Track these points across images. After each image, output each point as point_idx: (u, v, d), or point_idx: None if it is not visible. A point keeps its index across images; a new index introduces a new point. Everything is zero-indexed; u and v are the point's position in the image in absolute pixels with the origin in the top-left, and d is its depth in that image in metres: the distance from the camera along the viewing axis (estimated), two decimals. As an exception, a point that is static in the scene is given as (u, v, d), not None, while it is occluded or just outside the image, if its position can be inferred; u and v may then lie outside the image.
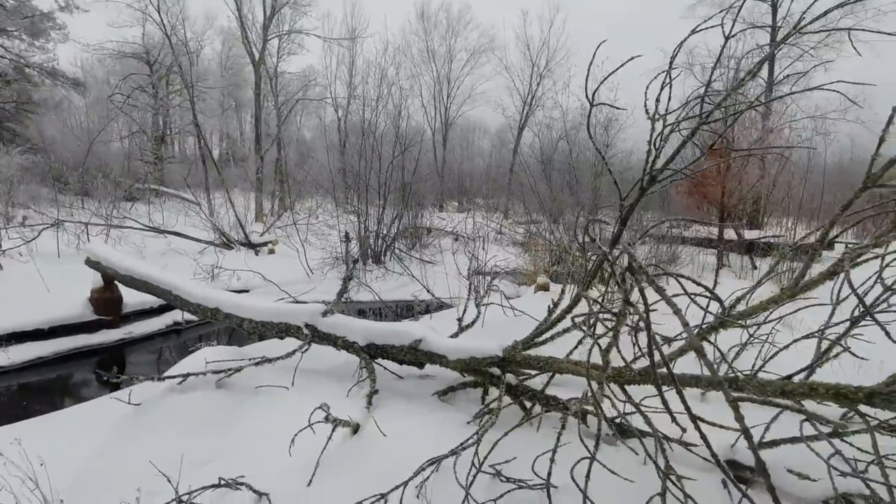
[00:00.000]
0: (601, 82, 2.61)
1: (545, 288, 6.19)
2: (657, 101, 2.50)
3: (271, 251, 10.18)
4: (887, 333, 1.67)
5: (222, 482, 2.01)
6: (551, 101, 19.79)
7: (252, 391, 3.09)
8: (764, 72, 15.73)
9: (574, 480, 1.89)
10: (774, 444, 2.41)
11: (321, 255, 9.35)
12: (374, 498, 1.93)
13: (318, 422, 2.36)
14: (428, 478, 2.19)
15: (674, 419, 1.93)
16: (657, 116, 2.52)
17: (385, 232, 9.65)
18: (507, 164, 22.75)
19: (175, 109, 22.60)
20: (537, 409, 2.87)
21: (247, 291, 7.23)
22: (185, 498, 1.94)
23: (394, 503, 2.01)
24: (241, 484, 2.03)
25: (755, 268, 9.45)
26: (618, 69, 2.37)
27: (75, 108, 21.04)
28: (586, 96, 2.33)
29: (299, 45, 20.53)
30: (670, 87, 2.53)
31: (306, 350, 3.42)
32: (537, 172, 11.56)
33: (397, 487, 1.99)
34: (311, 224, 11.91)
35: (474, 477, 2.08)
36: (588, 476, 1.75)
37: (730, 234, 10.64)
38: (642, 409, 2.23)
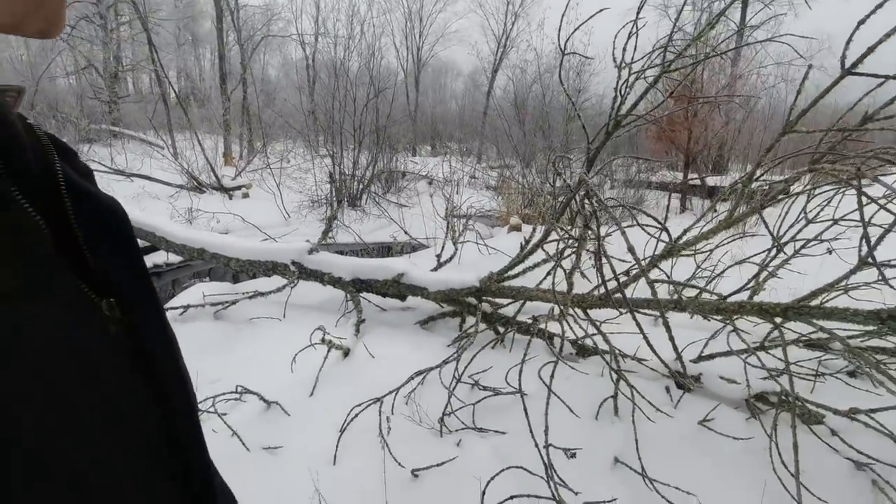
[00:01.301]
0: (572, 32, 2.77)
1: (517, 228, 6.49)
2: (623, 49, 2.69)
3: (245, 195, 10.12)
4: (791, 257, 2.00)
5: (239, 389, 2.29)
6: (525, 43, 19.42)
7: (247, 322, 3.33)
8: (737, 15, 15.77)
9: (541, 378, 2.22)
10: (711, 357, 2.82)
11: (298, 199, 9.39)
12: (369, 402, 2.24)
13: (317, 343, 2.63)
14: (415, 388, 2.51)
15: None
16: (624, 65, 2.72)
17: (361, 175, 9.69)
18: (480, 108, 22.51)
19: (126, 43, 21.18)
20: (510, 334, 3.21)
21: (226, 234, 7.30)
22: (209, 403, 2.21)
23: (387, 407, 2.32)
24: (254, 393, 2.30)
25: (715, 210, 9.96)
26: (588, 20, 2.52)
27: (15, 41, 19.47)
28: (558, 45, 2.50)
29: (262, -26, 19.29)
30: (637, 36, 2.71)
31: (294, 286, 3.65)
32: (511, 116, 11.61)
33: (390, 393, 2.30)
34: (284, 167, 11.78)
35: (455, 385, 2.41)
36: (552, 376, 2.08)
37: (695, 181, 11.11)
38: (601, 329, 2.57)
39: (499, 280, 3.26)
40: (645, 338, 2.09)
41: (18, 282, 0.31)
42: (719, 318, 2.44)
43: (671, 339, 2.05)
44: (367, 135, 9.88)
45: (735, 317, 2.36)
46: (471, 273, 3.30)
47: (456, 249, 4.27)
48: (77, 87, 19.68)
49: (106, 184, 9.12)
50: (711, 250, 2.92)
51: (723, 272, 2.99)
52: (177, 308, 3.28)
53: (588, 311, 2.88)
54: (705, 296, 2.75)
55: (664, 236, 2.48)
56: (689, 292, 3.37)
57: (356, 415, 2.21)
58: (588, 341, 3.10)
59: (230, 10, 17.95)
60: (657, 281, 2.57)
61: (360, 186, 9.68)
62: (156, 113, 14.42)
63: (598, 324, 2.58)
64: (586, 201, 2.53)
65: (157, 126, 13.08)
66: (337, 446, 2.09)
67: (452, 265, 4.28)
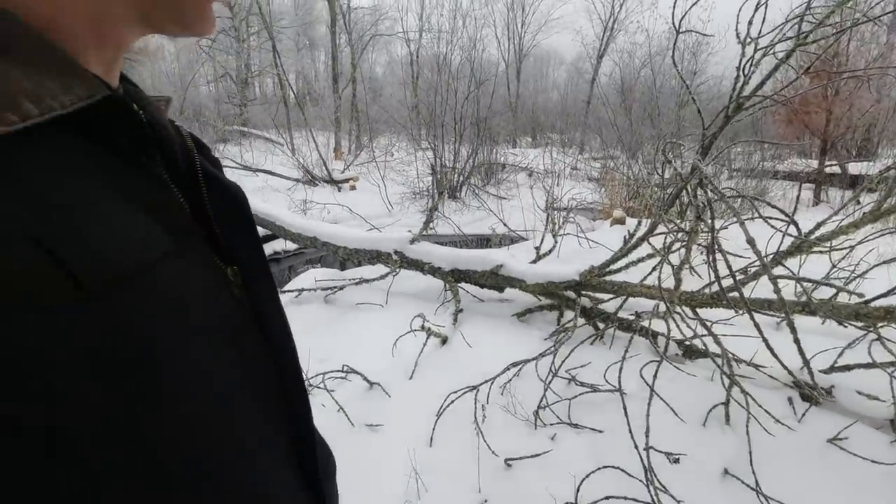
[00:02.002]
0: (690, 7, 2.57)
1: (621, 221, 6.18)
2: (749, 22, 2.45)
3: (353, 187, 10.75)
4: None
5: (345, 368, 2.47)
6: (635, 25, 18.26)
7: (353, 307, 3.56)
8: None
9: (643, 378, 2.12)
10: (848, 368, 2.49)
11: (401, 191, 9.77)
12: (465, 389, 2.29)
13: (416, 330, 2.75)
14: (510, 379, 2.53)
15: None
16: (748, 40, 2.47)
17: (461, 167, 9.83)
18: (583, 96, 21.65)
19: (255, 51, 23.37)
20: (610, 331, 3.09)
21: (336, 224, 7.83)
22: (319, 379, 2.42)
23: (482, 395, 2.37)
24: (358, 373, 2.47)
25: (858, 202, 8.68)
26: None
27: (168, 55, 22.37)
28: (672, 24, 2.33)
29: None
30: (766, 7, 2.46)
31: (396, 274, 3.83)
32: (616, 104, 11.04)
33: (485, 382, 2.34)
34: (388, 161, 12.31)
35: (551, 379, 2.38)
36: (655, 376, 1.98)
37: (834, 169, 9.75)
38: (712, 330, 2.38)
39: (600, 274, 3.15)
40: (765, 341, 1.91)
41: (172, 244, 0.38)
42: (859, 324, 2.14)
43: (797, 342, 1.84)
44: (467, 127, 9.98)
45: (880, 324, 2.06)
46: (570, 266, 3.23)
47: (555, 242, 4.19)
48: (215, 94, 22.21)
49: (236, 178, 10.18)
50: (852, 247, 2.57)
51: (865, 272, 2.61)
52: (292, 291, 3.60)
53: (697, 310, 2.69)
54: (842, 298, 2.42)
55: (792, 231, 2.22)
56: (822, 294, 2.99)
57: (452, 401, 2.27)
58: (697, 342, 2.89)
59: (342, 14, 19.05)
60: (782, 278, 2.31)
61: (460, 178, 9.82)
62: (277, 113, 15.75)
63: (708, 324, 2.40)
64: (699, 191, 2.35)
65: (278, 125, 14.30)
66: (433, 429, 2.17)
67: (551, 258, 4.20)
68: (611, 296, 3.19)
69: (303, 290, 3.61)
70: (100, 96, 0.36)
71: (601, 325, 3.16)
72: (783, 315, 2.02)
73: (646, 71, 12.10)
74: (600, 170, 10.63)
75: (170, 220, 0.40)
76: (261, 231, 6.41)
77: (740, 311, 2.54)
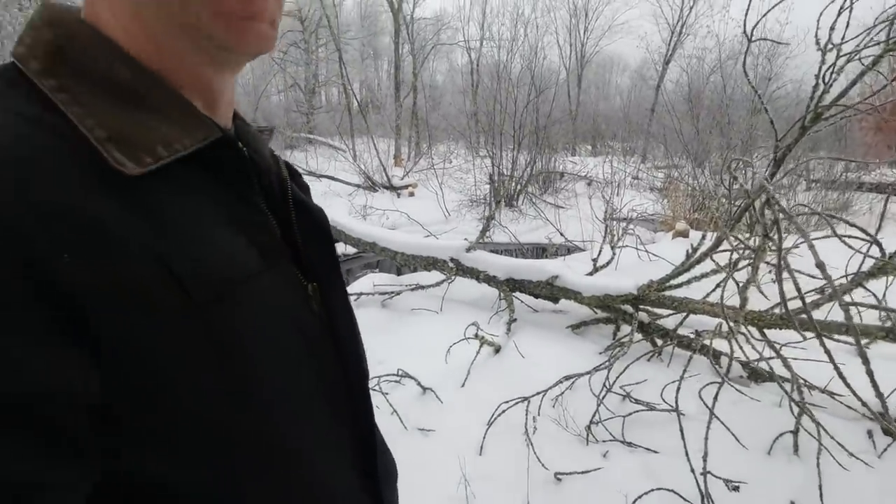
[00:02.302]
0: (767, 12, 2.47)
1: (684, 234, 5.94)
2: (831, 28, 2.32)
3: (411, 194, 10.96)
4: None
5: (400, 372, 2.55)
6: (705, 29, 17.47)
7: (409, 312, 3.65)
8: None
9: (702, 399, 2.05)
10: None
11: (458, 198, 9.87)
12: (517, 399, 2.30)
13: (470, 337, 2.79)
14: (563, 392, 2.51)
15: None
16: (829, 46, 2.34)
17: (519, 176, 9.80)
18: (647, 104, 20.93)
19: (322, 62, 24.42)
20: (668, 348, 2.99)
21: (394, 230, 8.03)
22: (375, 381, 2.51)
23: (534, 407, 2.36)
24: (412, 377, 2.54)
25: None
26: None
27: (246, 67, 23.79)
28: (744, 31, 2.25)
29: (436, -10, 20.59)
30: (850, 10, 2.32)
31: (452, 281, 3.88)
32: (682, 112, 10.60)
33: (538, 394, 2.33)
34: (446, 168, 12.46)
35: (605, 394, 2.34)
36: (716, 398, 1.90)
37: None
38: (781, 353, 2.25)
39: (659, 289, 3.05)
40: (836, 368, 1.79)
41: (264, 263, 0.45)
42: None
43: (870, 373, 1.72)
44: (526, 136, 9.93)
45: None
46: (629, 279, 3.15)
47: (613, 254, 4.10)
48: (284, 103, 23.41)
49: (301, 183, 10.67)
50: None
51: None
52: (351, 295, 3.74)
53: (764, 330, 2.55)
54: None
55: (875, 251, 2.07)
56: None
57: (503, 411, 2.29)
58: (763, 365, 2.73)
59: (405, 24, 19.54)
60: (856, 304, 2.16)
61: (518, 187, 9.79)
62: (341, 121, 16.35)
63: (777, 346, 2.27)
64: (766, 210, 2.24)
65: (342, 132, 14.85)
66: (484, 437, 2.20)
67: (609, 270, 4.11)
68: (671, 311, 3.08)
69: (361, 294, 3.74)
70: (213, 138, 0.44)
71: (659, 342, 3.06)
72: (854, 341, 1.88)
73: (715, 77, 11.56)
74: (663, 180, 10.24)
75: (263, 242, 0.47)
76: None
77: (810, 335, 2.39)
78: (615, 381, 2.43)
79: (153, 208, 0.38)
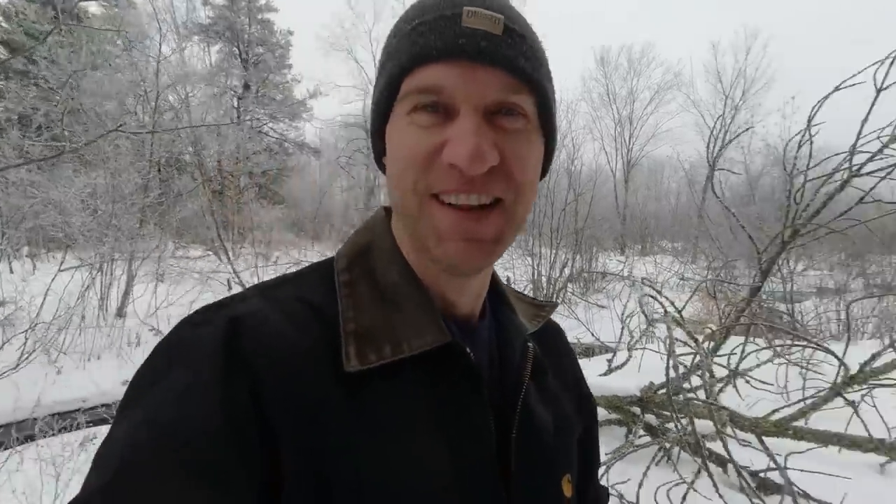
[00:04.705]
0: (727, 143, 2.78)
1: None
2: (795, 157, 2.60)
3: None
4: None
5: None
6: (747, 138, 17.94)
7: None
8: None
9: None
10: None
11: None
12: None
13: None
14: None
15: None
16: (796, 172, 2.61)
17: (557, 275, 10.03)
18: (698, 204, 21.04)
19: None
20: (675, 450, 2.98)
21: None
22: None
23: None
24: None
25: None
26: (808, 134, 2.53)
27: (312, 170, 26.43)
28: (707, 161, 2.56)
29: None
30: (811, 144, 2.60)
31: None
32: (717, 214, 10.74)
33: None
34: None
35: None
36: None
37: None
38: (777, 462, 2.26)
39: (661, 389, 3.12)
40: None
41: (452, 478, 0.44)
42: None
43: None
44: (564, 236, 10.30)
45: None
46: (633, 381, 3.25)
47: (630, 355, 4.17)
48: (344, 201, 25.53)
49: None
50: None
51: None
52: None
53: (763, 438, 2.56)
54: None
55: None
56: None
57: None
58: (776, 475, 2.67)
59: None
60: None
61: (557, 286, 9.98)
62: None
63: (778, 456, 2.29)
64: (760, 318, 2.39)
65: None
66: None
67: (629, 370, 4.16)
68: (674, 414, 3.11)
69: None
70: (439, 343, 0.45)
71: (668, 445, 3.06)
72: (843, 446, 1.92)
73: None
74: (709, 282, 10.10)
75: (464, 453, 0.45)
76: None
77: (812, 445, 2.39)
78: (614, 484, 2.48)
79: (367, 408, 0.42)
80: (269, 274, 10.17)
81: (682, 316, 2.67)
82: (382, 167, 0.53)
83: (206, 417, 0.36)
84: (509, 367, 0.53)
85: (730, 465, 2.78)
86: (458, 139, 0.41)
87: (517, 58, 0.43)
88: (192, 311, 0.45)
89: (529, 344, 0.54)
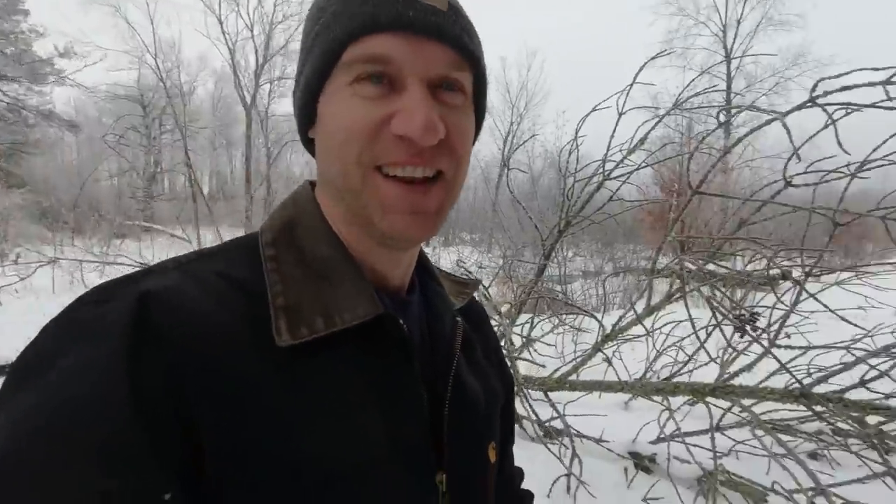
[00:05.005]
0: (517, 147, 3.26)
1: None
2: (566, 161, 3.16)
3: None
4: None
5: None
6: (530, 143, 20.87)
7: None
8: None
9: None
10: (662, 439, 2.97)
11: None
12: None
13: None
14: None
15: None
16: (567, 173, 3.18)
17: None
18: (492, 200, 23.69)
19: (167, 148, 23.29)
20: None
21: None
22: None
23: None
24: None
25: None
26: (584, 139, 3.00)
27: (67, 148, 21.57)
28: (502, 160, 2.96)
29: (290, 89, 21.51)
30: (577, 151, 3.19)
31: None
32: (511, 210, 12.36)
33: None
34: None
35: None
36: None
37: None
38: (559, 410, 2.77)
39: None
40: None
41: (387, 448, 0.44)
42: (658, 398, 2.64)
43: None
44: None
45: (671, 397, 2.57)
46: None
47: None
48: (116, 188, 21.46)
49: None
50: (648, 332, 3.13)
51: (661, 352, 3.14)
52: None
53: (549, 393, 3.09)
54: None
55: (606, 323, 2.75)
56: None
57: None
58: (557, 423, 3.26)
59: (260, 119, 19.90)
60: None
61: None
62: (184, 209, 15.54)
63: (559, 406, 2.79)
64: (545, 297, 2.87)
65: (183, 222, 14.07)
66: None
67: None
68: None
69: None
70: (372, 315, 0.45)
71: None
72: (602, 391, 2.47)
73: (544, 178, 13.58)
74: (508, 260, 11.53)
75: (398, 423, 0.46)
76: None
77: (584, 392, 2.99)
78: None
79: (299, 377, 0.41)
80: (9, 276, 8.08)
81: (488, 292, 3.00)
82: (307, 140, 0.52)
83: (112, 397, 0.33)
84: (440, 340, 0.54)
85: (525, 420, 3.31)
86: (410, 110, 0.41)
87: (461, 35, 0.44)
88: (85, 291, 0.40)
89: (458, 319, 0.55)
